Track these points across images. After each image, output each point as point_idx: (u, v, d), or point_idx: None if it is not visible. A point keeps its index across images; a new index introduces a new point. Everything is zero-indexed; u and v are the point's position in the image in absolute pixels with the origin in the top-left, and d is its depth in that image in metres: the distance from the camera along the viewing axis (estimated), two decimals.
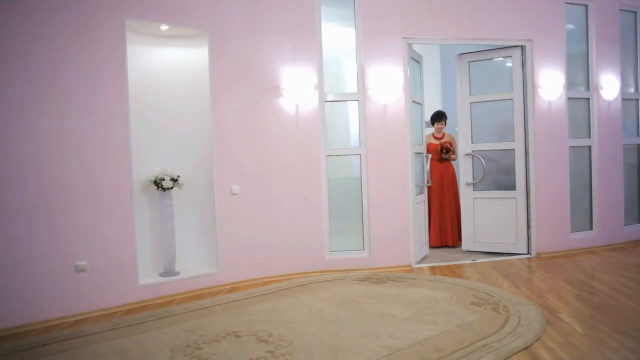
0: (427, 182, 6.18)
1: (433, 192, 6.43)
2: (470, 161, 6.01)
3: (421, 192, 5.81)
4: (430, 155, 6.31)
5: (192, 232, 4.92)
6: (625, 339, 3.13)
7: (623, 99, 6.06)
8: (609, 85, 5.92)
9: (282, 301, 4.19)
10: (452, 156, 6.49)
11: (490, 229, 5.90)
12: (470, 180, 5.99)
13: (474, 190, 5.98)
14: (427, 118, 6.64)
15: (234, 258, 4.83)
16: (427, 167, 6.15)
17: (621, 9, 6.04)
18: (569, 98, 5.76)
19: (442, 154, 6.46)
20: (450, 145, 6.47)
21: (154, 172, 4.62)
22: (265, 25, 4.96)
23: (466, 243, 6.04)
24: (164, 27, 4.60)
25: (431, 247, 6.16)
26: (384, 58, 5.20)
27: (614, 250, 5.81)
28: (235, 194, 4.84)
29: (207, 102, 4.72)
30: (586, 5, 5.86)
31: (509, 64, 5.79)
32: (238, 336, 3.38)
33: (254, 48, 4.92)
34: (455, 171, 6.51)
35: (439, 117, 6.65)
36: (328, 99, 5.22)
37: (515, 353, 2.96)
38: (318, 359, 2.97)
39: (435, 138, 6.61)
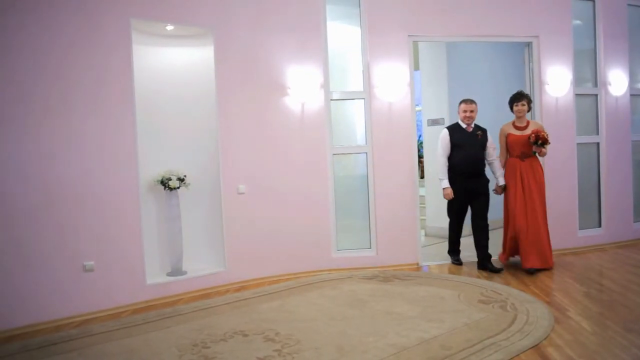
0: (497, 186, 5.09)
1: (515, 198, 4.84)
2: None
3: None
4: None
5: (199, 232, 4.93)
6: (634, 337, 3.11)
7: (631, 95, 6.01)
8: (617, 81, 5.87)
9: (289, 300, 4.20)
10: (543, 150, 4.84)
11: None
12: None
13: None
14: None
15: (241, 257, 4.83)
16: (497, 167, 5.07)
17: (629, 4, 5.99)
18: (576, 94, 5.71)
19: (535, 147, 4.81)
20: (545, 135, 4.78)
21: (160, 171, 4.63)
22: (271, 24, 4.96)
23: None
24: (170, 27, 4.61)
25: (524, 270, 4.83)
26: (390, 55, 5.19)
27: (622, 247, 5.77)
28: (242, 193, 4.85)
29: (213, 102, 4.73)
30: (593, 1, 5.81)
31: None
32: (245, 335, 3.39)
33: (260, 47, 4.92)
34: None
35: (519, 97, 4.92)
36: (334, 98, 5.21)
37: (524, 351, 2.95)
38: (325, 357, 2.97)
39: (517, 128, 4.94)
